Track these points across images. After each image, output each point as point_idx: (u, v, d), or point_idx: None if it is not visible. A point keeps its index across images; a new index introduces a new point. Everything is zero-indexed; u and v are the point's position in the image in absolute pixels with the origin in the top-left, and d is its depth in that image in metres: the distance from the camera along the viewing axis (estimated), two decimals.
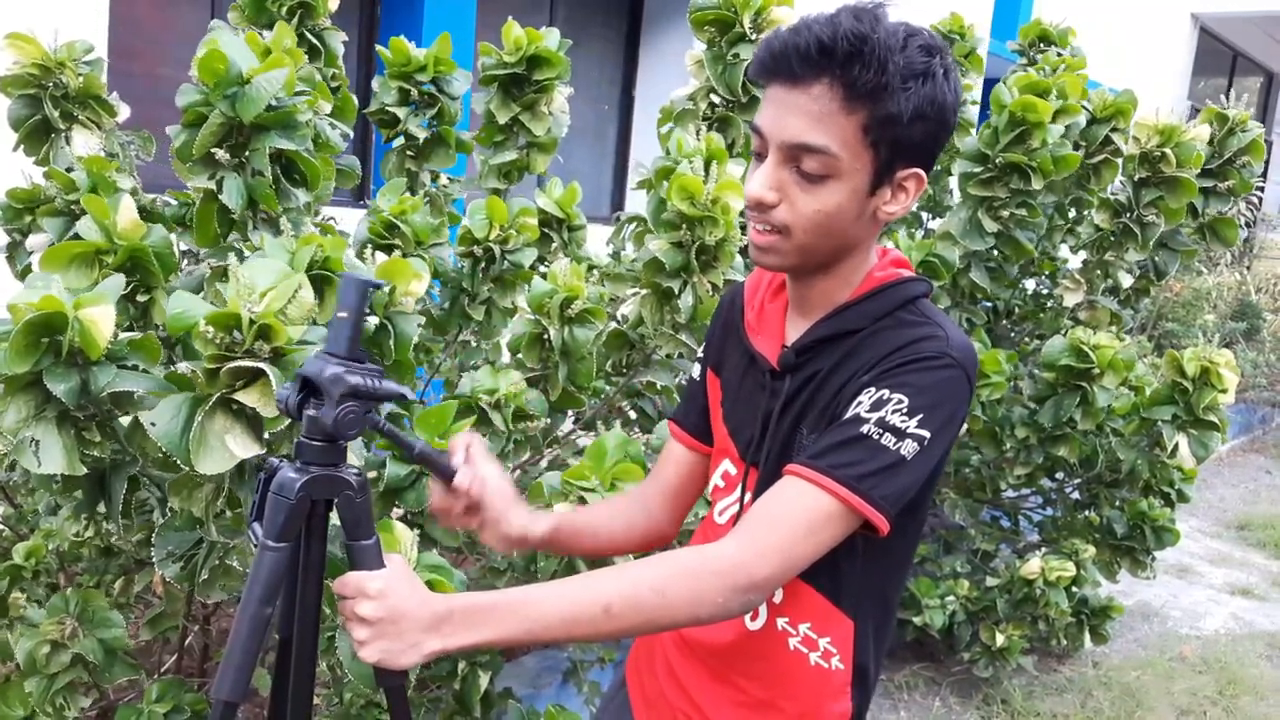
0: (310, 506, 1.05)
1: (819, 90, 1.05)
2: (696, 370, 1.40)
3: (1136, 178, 3.28)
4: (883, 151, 1.07)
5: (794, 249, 1.12)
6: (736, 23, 2.45)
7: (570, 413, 2.37)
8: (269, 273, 1.33)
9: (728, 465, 1.30)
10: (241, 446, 1.33)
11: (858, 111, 1.04)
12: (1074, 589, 3.41)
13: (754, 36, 2.44)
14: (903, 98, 1.04)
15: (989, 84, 3.26)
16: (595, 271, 2.57)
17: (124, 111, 2.29)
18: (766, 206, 1.11)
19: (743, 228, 2.25)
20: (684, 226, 2.09)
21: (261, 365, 1.28)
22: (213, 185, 1.65)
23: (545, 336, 2.07)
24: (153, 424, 1.33)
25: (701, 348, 1.40)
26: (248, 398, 1.31)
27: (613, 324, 2.41)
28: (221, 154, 1.64)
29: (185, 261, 2.12)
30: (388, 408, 1.72)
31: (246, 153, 1.65)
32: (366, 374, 1.02)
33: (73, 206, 1.85)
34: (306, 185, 1.73)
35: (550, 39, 2.62)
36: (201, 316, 1.28)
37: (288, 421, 1.37)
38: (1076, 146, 3.28)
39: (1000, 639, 3.39)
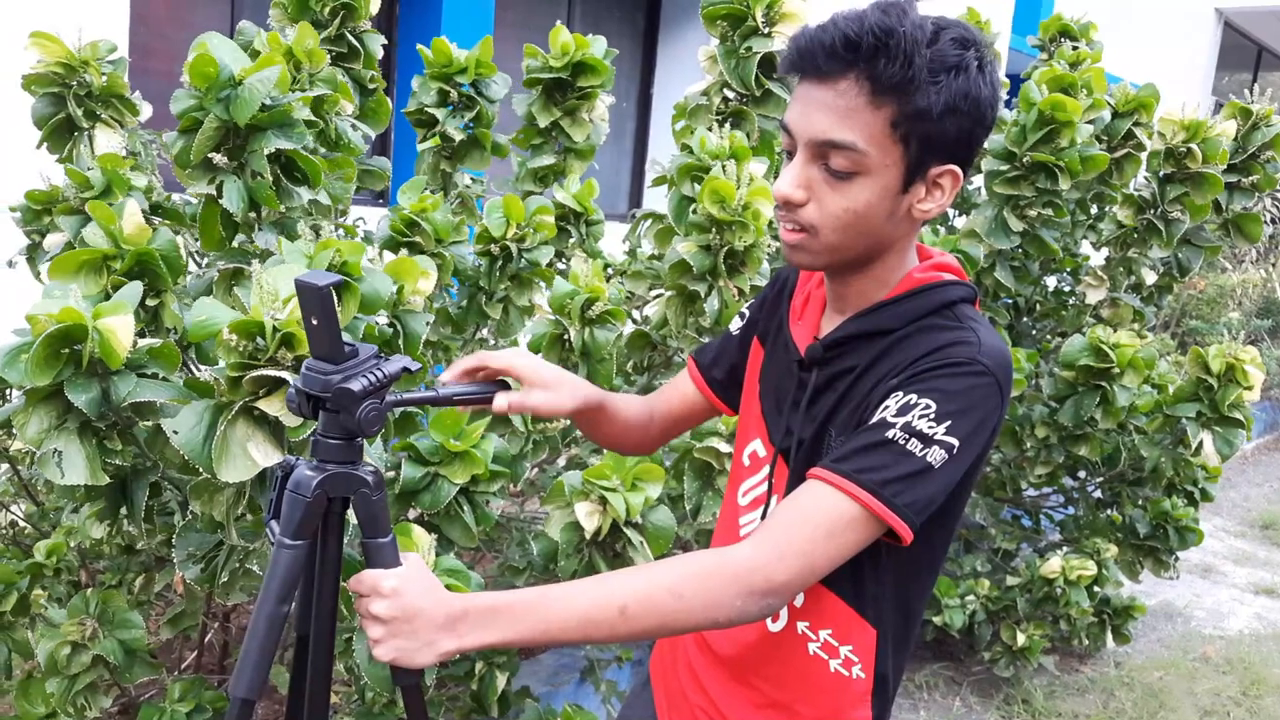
0: (326, 504, 1.05)
1: (845, 85, 1.03)
2: (736, 325, 1.39)
3: (1161, 174, 3.25)
4: (913, 148, 1.05)
5: (823, 248, 1.10)
6: (749, 16, 2.44)
7: None
8: (292, 280, 1.32)
9: (758, 445, 1.28)
10: (263, 454, 1.33)
11: (885, 106, 1.02)
12: (1095, 588, 3.38)
13: (766, 30, 2.43)
14: (932, 92, 1.02)
15: (1013, 81, 3.23)
16: (610, 269, 2.57)
17: (146, 110, 2.31)
18: (794, 205, 1.09)
19: (774, 235, 2.24)
20: (713, 230, 2.08)
21: (284, 374, 1.28)
22: (213, 190, 1.64)
23: (566, 337, 2.07)
24: (175, 432, 1.32)
25: (749, 305, 1.38)
26: (270, 406, 1.31)
27: (633, 324, 2.41)
28: (219, 158, 1.63)
29: (204, 261, 2.13)
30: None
31: (245, 155, 1.64)
32: (366, 369, 1.01)
33: (88, 206, 1.86)
34: (308, 183, 1.73)
35: (596, 47, 2.61)
36: (225, 324, 1.28)
37: (312, 428, 1.37)
38: (1099, 141, 3.25)
39: (1021, 639, 3.37)
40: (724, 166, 2.05)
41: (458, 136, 2.59)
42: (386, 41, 2.46)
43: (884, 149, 1.04)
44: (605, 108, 2.75)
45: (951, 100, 1.03)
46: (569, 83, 2.65)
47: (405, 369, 1.05)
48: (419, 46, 2.62)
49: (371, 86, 2.38)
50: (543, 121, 2.67)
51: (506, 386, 1.25)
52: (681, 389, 1.45)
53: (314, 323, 0.98)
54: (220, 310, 1.31)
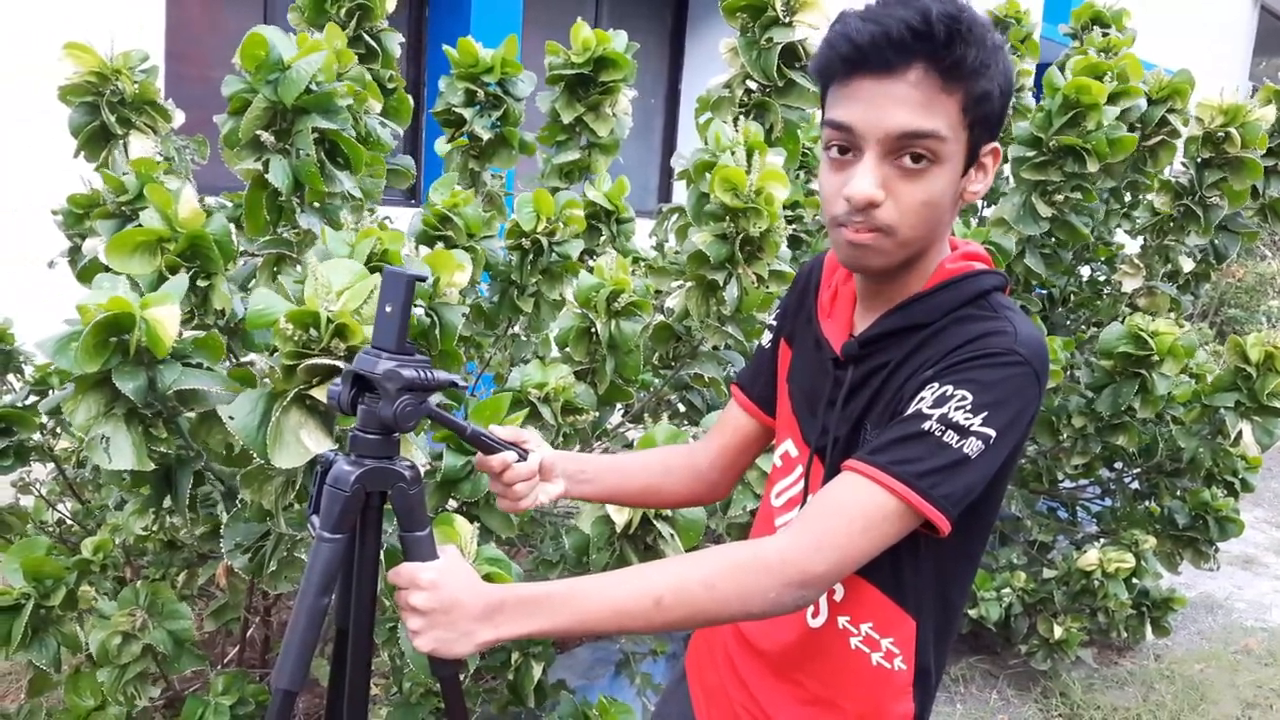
0: (365, 498, 1.07)
1: (916, 75, 1.01)
2: (767, 337, 1.37)
3: (1199, 159, 3.21)
4: (975, 130, 1.06)
5: (897, 246, 1.08)
6: (768, 7, 2.43)
7: (619, 406, 2.38)
8: (345, 272, 1.36)
9: (789, 446, 1.28)
10: (315, 442, 1.36)
11: (956, 92, 1.03)
12: (1134, 580, 3.35)
13: (787, 20, 2.43)
14: (989, 75, 1.04)
15: (1042, 69, 3.21)
16: (640, 264, 2.58)
17: (179, 117, 2.35)
18: (876, 205, 1.06)
19: (789, 220, 2.25)
20: (727, 218, 2.08)
21: (337, 363, 1.31)
22: (259, 167, 1.69)
23: (592, 330, 2.08)
24: (230, 417, 1.36)
25: (775, 315, 1.37)
26: (322, 394, 1.34)
27: (659, 317, 2.41)
28: (267, 137, 1.68)
29: (242, 259, 2.17)
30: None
31: (291, 136, 1.70)
32: (418, 366, 1.04)
33: (124, 209, 1.90)
34: (350, 168, 1.77)
35: (618, 41, 2.62)
36: (282, 314, 1.31)
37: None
38: (1132, 128, 3.21)
39: (1058, 631, 3.34)
40: (733, 154, 2.05)
41: (485, 135, 2.61)
42: (416, 42, 2.49)
43: (957, 135, 1.05)
44: (628, 101, 2.76)
45: (1003, 81, 1.05)
46: (591, 78, 2.67)
47: (452, 383, 1.07)
48: (445, 47, 2.64)
49: (391, 86, 2.41)
50: (566, 118, 2.69)
51: (526, 456, 1.27)
52: (732, 419, 1.42)
53: (388, 310, 1.02)
54: (277, 300, 1.34)
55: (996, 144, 1.11)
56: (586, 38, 2.61)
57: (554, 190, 2.74)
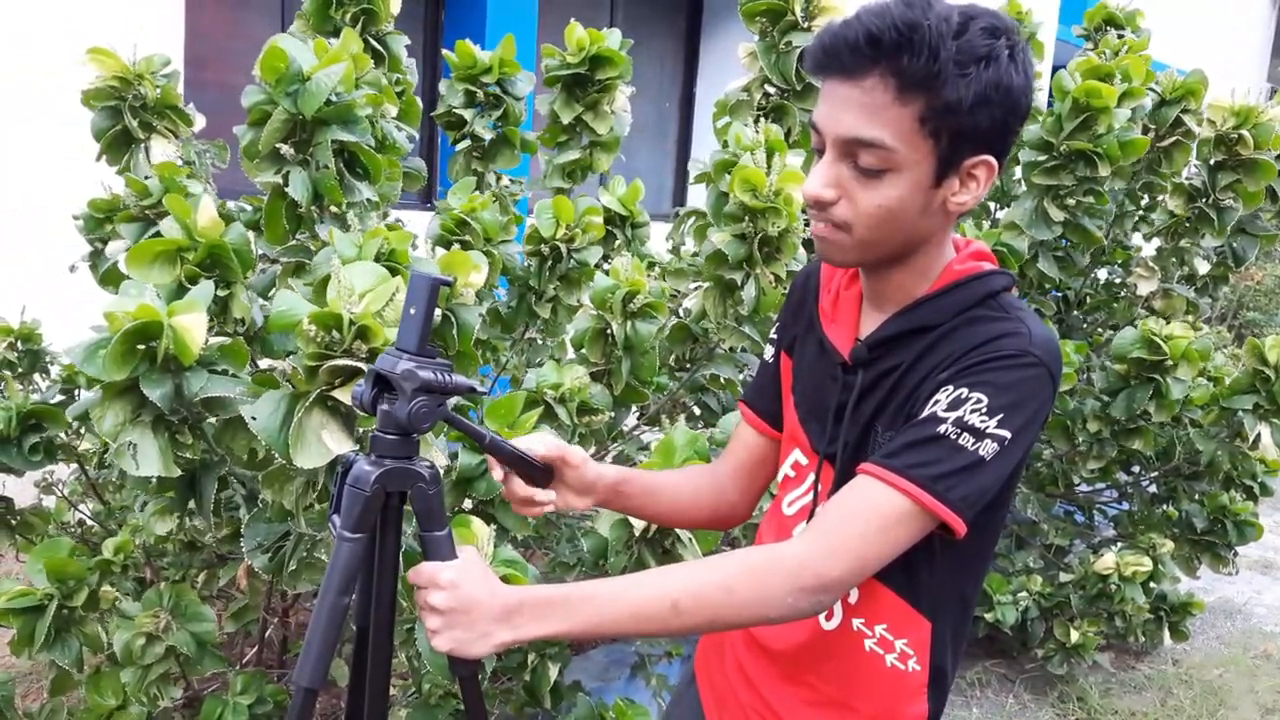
0: (385, 498, 1.08)
1: (871, 82, 1.02)
2: (769, 352, 1.37)
3: (1212, 161, 3.20)
4: (944, 141, 1.03)
5: (856, 244, 1.10)
6: (788, 11, 2.44)
7: (634, 407, 2.38)
8: (368, 275, 1.37)
9: (798, 455, 1.28)
10: (336, 442, 1.38)
11: (912, 102, 1.01)
12: (1151, 585, 3.33)
13: (806, 24, 2.44)
14: (961, 85, 1.00)
15: (1059, 71, 3.20)
16: (656, 268, 2.59)
17: (199, 121, 2.37)
18: (825, 204, 1.08)
19: (807, 221, 2.26)
20: (746, 218, 2.09)
21: (359, 365, 1.32)
22: (279, 180, 1.71)
23: (608, 331, 2.09)
24: (253, 418, 1.38)
25: (774, 329, 1.37)
26: (344, 395, 1.35)
27: (675, 318, 2.42)
28: (286, 149, 1.69)
29: (260, 264, 2.18)
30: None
31: (310, 148, 1.71)
32: (437, 369, 1.05)
33: (148, 212, 1.92)
34: (369, 179, 1.78)
35: (612, 39, 2.64)
36: (305, 316, 1.33)
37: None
38: (1146, 130, 3.20)
39: (1075, 635, 3.33)
40: (753, 155, 2.06)
41: (487, 136, 2.63)
42: (433, 44, 2.50)
43: (913, 145, 1.03)
44: (626, 98, 2.78)
45: (983, 91, 1.01)
46: (588, 77, 2.69)
47: (471, 388, 1.08)
48: (444, 51, 2.66)
49: (399, 89, 2.42)
50: (566, 118, 2.71)
51: (551, 473, 1.25)
52: (742, 438, 1.41)
53: (411, 312, 1.04)
54: (300, 303, 1.36)
55: (989, 158, 1.07)
56: (580, 38, 2.64)
57: (558, 190, 2.76)
